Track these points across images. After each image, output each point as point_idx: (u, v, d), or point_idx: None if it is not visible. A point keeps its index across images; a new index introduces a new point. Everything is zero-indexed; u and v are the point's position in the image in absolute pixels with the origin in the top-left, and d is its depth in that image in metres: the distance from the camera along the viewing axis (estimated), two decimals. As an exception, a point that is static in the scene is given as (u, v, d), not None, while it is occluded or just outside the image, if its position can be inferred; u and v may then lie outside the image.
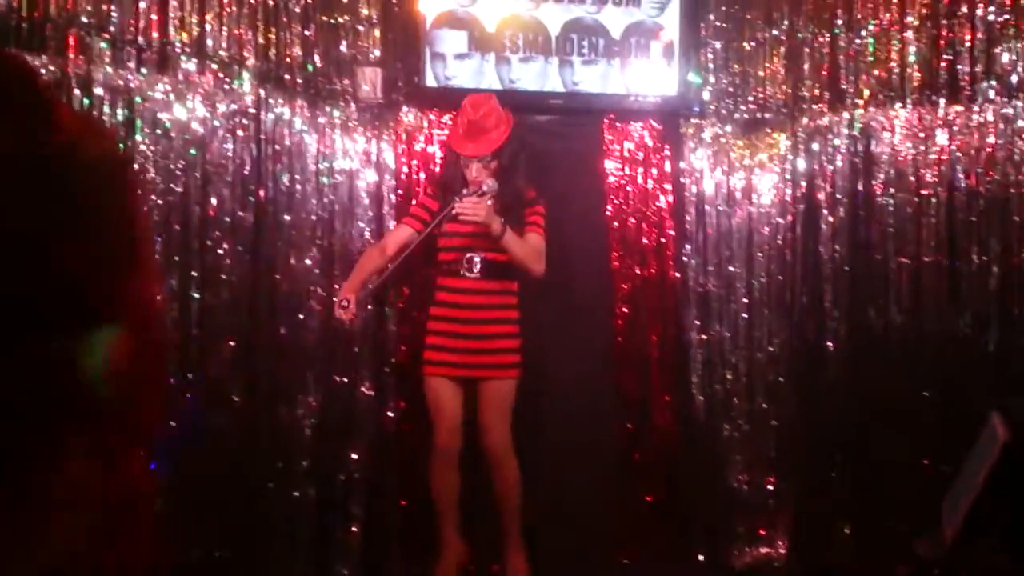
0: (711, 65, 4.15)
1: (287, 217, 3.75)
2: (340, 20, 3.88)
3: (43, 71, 3.42)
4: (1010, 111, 4.01)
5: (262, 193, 3.74)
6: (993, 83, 4.01)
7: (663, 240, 4.14)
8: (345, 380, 3.76)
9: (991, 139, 4.03)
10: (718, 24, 4.15)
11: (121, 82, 3.54)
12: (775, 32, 4.13)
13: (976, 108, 4.03)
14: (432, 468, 3.43)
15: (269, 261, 3.69)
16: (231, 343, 3.62)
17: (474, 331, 3.44)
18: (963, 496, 3.78)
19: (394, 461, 3.80)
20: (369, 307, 3.74)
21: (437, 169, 3.86)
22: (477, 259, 3.45)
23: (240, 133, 3.71)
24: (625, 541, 3.98)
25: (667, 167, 4.15)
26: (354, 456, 3.75)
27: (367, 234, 3.84)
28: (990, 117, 4.03)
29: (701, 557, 4.02)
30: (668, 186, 4.15)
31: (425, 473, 3.50)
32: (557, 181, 4.04)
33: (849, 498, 4.04)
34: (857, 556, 3.96)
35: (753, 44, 4.15)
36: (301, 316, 3.71)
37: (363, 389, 3.79)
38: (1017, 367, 3.89)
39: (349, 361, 3.77)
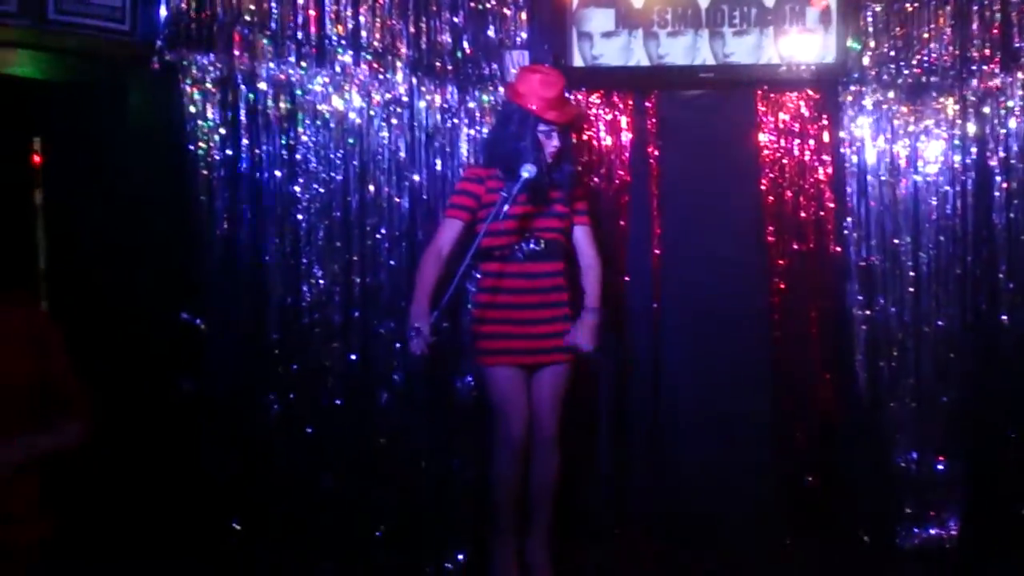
0: (871, 29, 3.62)
1: (441, 201, 3.47)
2: (487, 5, 3.57)
3: (212, 68, 3.26)
4: None
5: (416, 178, 3.47)
6: None
7: (822, 213, 3.67)
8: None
9: None
10: (878, -15, 3.61)
11: (283, 76, 3.36)
12: (940, -10, 3.57)
13: None
14: (501, 460, 3.05)
15: (424, 245, 3.42)
16: (391, 325, 3.38)
17: (533, 316, 3.07)
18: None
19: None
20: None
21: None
22: (532, 242, 3.07)
23: (394, 121, 3.46)
24: (788, 522, 3.54)
25: (825, 137, 3.67)
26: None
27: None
28: None
29: (866, 538, 3.54)
30: (827, 157, 3.67)
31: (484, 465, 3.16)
32: (709, 156, 3.65)
33: (1022, 478, 3.48)
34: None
35: (916, 4, 3.59)
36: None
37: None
38: None
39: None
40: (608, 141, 3.68)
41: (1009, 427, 3.53)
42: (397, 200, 3.45)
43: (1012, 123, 3.54)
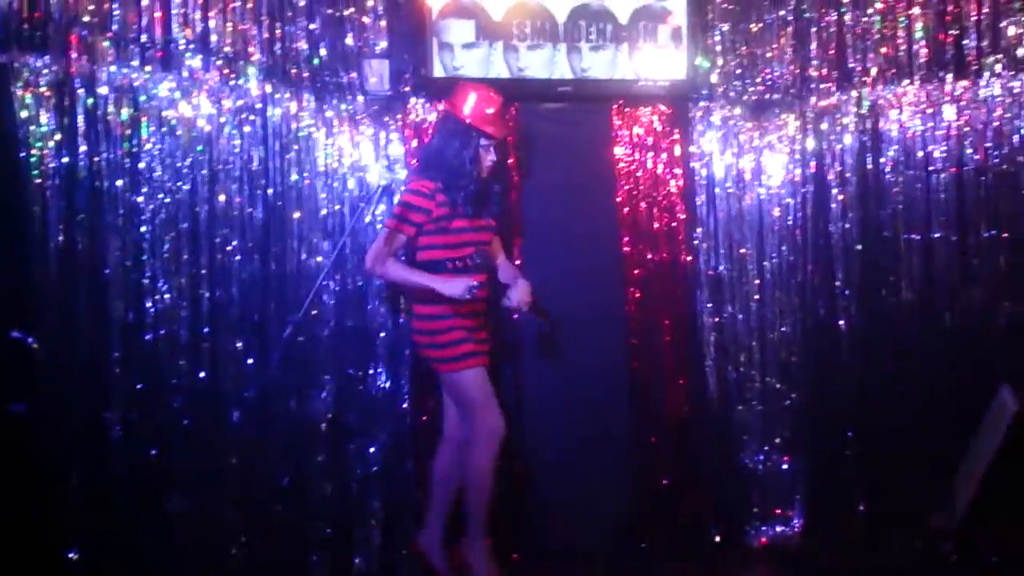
0: (719, 48, 3.57)
1: (297, 213, 3.20)
2: (345, 12, 3.31)
3: (47, 71, 2.90)
4: (1016, 84, 3.44)
5: (271, 190, 3.19)
6: (999, 57, 3.45)
7: (674, 224, 3.58)
8: (360, 374, 3.21)
9: (998, 112, 3.47)
10: (725, 6, 3.56)
11: (125, 80, 3.02)
12: (782, 12, 3.56)
13: (983, 83, 3.46)
14: (488, 453, 2.91)
15: (279, 258, 3.15)
16: (241, 342, 3.08)
17: (480, 323, 2.99)
18: (975, 468, 3.29)
19: (411, 454, 3.26)
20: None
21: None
22: (480, 253, 2.97)
23: (247, 129, 3.16)
24: (641, 523, 3.44)
25: (677, 151, 3.59)
26: (372, 450, 3.21)
27: (379, 226, 3.28)
28: (997, 91, 3.47)
29: (717, 538, 3.49)
30: (678, 170, 3.59)
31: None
32: (567, 168, 3.52)
33: (863, 475, 3.51)
34: (871, 532, 3.43)
35: (760, 25, 3.57)
36: (315, 312, 3.15)
37: (379, 383, 3.24)
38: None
39: (364, 356, 3.22)
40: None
41: (848, 426, 3.56)
42: (250, 211, 3.15)
43: (847, 139, 3.57)
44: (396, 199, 3.07)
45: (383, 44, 3.36)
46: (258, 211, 3.16)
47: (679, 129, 3.59)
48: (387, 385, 3.26)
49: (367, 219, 3.23)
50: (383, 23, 3.35)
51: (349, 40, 3.32)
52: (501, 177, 3.12)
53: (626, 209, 3.57)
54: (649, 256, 3.58)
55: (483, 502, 2.94)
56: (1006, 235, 3.48)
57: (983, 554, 3.17)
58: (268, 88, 3.21)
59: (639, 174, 3.59)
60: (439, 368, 2.95)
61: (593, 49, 3.48)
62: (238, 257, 3.11)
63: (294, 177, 3.23)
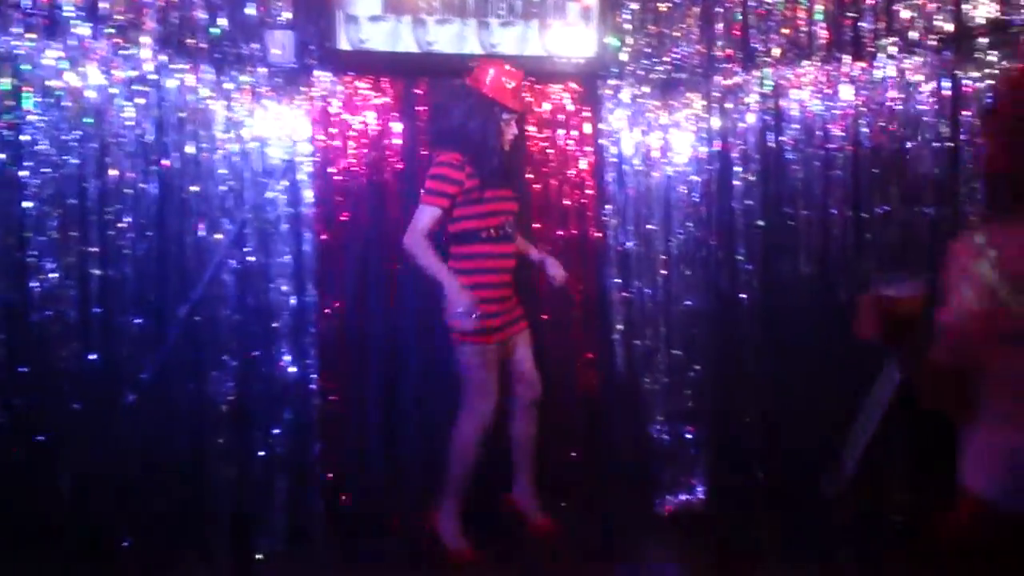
0: (628, 27, 3.46)
1: (195, 188, 2.98)
2: (247, -19, 3.08)
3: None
4: (909, 66, 3.44)
5: (166, 163, 2.95)
6: (894, 39, 3.44)
7: (584, 201, 3.49)
8: (263, 355, 3.02)
9: (892, 93, 3.47)
10: (634, -15, 3.45)
11: (4, 49, 2.73)
12: (688, -8, 3.46)
13: (878, 64, 3.45)
14: (476, 430, 2.96)
15: (176, 235, 2.93)
16: (137, 321, 2.86)
17: (508, 293, 3.05)
18: (862, 435, 3.33)
19: (319, 437, 3.10)
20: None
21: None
22: (510, 223, 3.02)
23: (140, 101, 2.91)
24: (554, 497, 3.37)
25: (587, 129, 3.48)
26: (275, 432, 3.04)
27: (281, 203, 3.09)
28: (891, 72, 3.46)
29: (627, 507, 3.44)
30: (588, 148, 3.48)
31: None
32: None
33: (764, 444, 3.50)
34: (771, 500, 3.44)
35: (668, 5, 3.46)
36: (214, 291, 2.95)
37: (283, 364, 3.06)
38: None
39: (268, 336, 3.04)
40: (378, 127, 3.32)
41: (747, 397, 3.55)
42: (143, 186, 2.92)
43: (750, 118, 3.51)
44: (428, 175, 2.97)
45: (287, 15, 3.14)
46: (152, 186, 2.93)
47: (589, 107, 3.48)
48: (292, 366, 3.09)
49: (269, 194, 3.03)
50: (287, -7, 3.15)
51: (251, 10, 3.10)
52: (519, 149, 3.11)
53: (536, 186, 3.46)
54: (559, 232, 3.48)
55: (459, 473, 2.98)
56: (898, 211, 3.51)
57: (875, 518, 3.20)
58: (163, 58, 2.97)
59: (549, 151, 3.48)
60: (453, 337, 2.96)
61: (503, 25, 3.33)
62: (131, 235, 2.88)
63: (191, 151, 3.01)
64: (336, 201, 3.22)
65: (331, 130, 3.25)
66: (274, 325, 3.04)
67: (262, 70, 3.11)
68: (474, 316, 2.83)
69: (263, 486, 3.02)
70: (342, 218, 3.23)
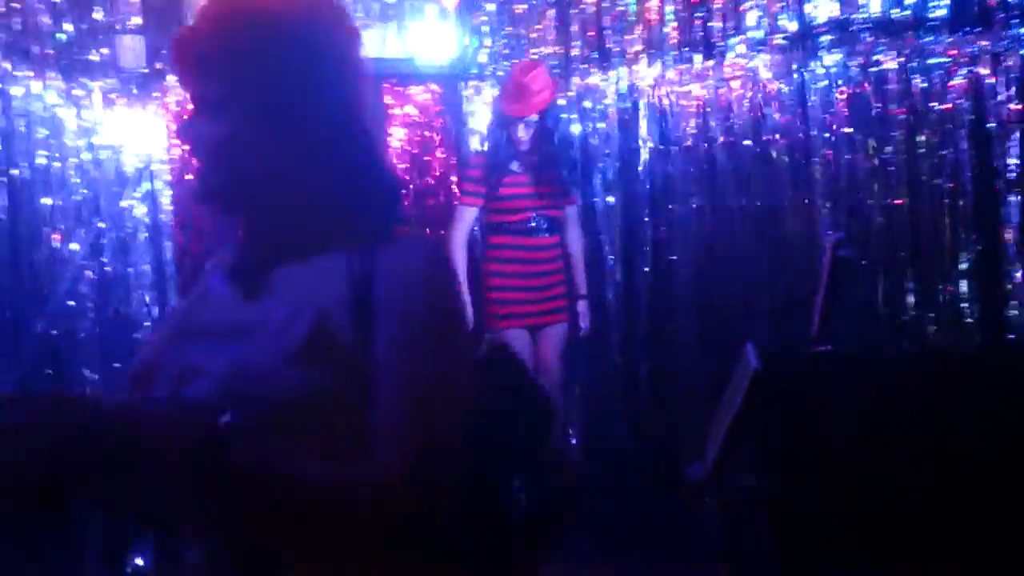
0: (486, 28, 3.67)
1: (46, 199, 3.01)
2: (93, -14, 3.12)
3: None
4: (756, 65, 3.75)
5: (15, 173, 2.98)
6: (741, 38, 3.75)
7: (449, 201, 3.67)
8: (125, 368, 3.08)
9: (739, 91, 3.77)
10: (490, -14, 3.66)
11: None
12: (544, -6, 3.70)
13: (726, 63, 3.76)
14: None
15: (29, 247, 2.96)
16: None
17: (539, 283, 3.30)
18: (723, 422, 3.61)
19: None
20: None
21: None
22: (541, 216, 3.26)
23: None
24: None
25: (450, 129, 3.66)
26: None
27: (139, 212, 3.16)
28: (738, 72, 3.77)
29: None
30: (452, 148, 3.67)
31: None
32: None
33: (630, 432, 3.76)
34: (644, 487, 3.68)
35: (524, 6, 3.69)
36: (71, 303, 2.99)
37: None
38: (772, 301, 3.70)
39: (130, 347, 3.10)
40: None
41: (614, 390, 3.80)
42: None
43: (609, 117, 3.77)
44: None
45: (137, 19, 3.21)
46: (2, 198, 2.95)
47: (451, 107, 3.68)
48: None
49: (123, 203, 3.10)
50: (136, -3, 3.21)
51: (99, 15, 3.15)
52: (543, 147, 3.27)
53: (403, 187, 3.63)
54: (428, 233, 3.66)
55: None
56: (756, 204, 3.80)
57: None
58: (7, 65, 2.99)
59: (414, 152, 3.66)
60: (486, 323, 3.26)
61: (361, 27, 3.47)
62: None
63: (41, 161, 3.04)
64: (195, 208, 3.30)
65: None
66: (135, 336, 3.11)
67: (114, 76, 3.16)
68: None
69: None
70: (201, 225, 3.32)
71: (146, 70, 3.21)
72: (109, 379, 3.07)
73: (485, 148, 3.33)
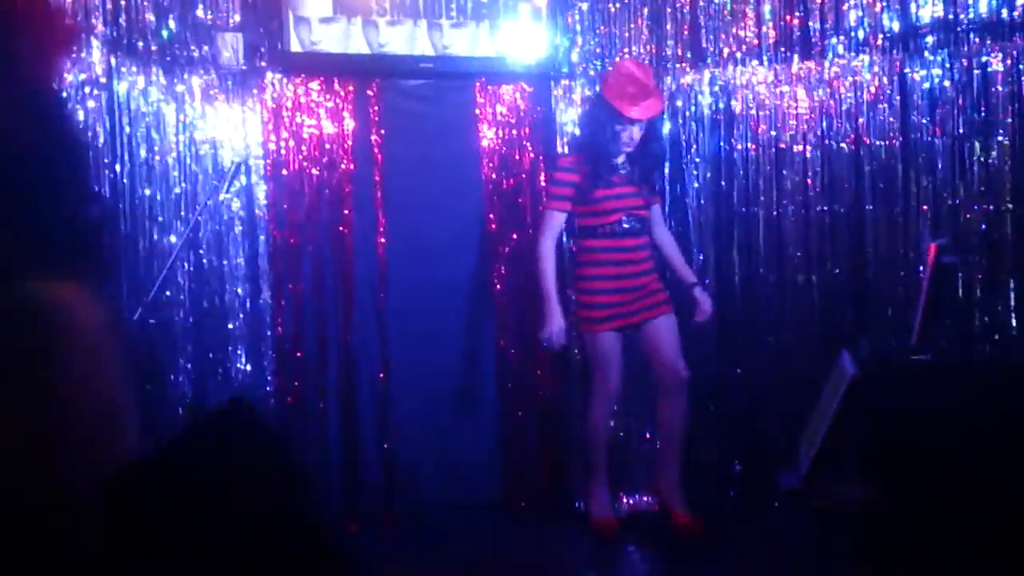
0: (578, 27, 3.66)
1: (147, 191, 3.11)
2: (195, -16, 3.23)
3: None
4: (857, 65, 3.66)
5: (118, 167, 3.09)
6: (841, 39, 3.66)
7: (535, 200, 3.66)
8: (219, 358, 3.16)
9: (841, 92, 3.69)
10: (584, -14, 3.65)
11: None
12: (639, -7, 3.68)
13: (826, 63, 3.67)
14: (600, 411, 3.26)
15: (131, 238, 3.06)
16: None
17: (636, 284, 3.24)
18: (818, 430, 3.51)
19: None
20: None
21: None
22: (632, 217, 3.21)
23: (91, 104, 3.05)
24: (510, 501, 3.56)
25: (540, 129, 3.66)
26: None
27: (235, 206, 3.23)
28: (839, 72, 3.69)
29: (579, 506, 3.59)
30: (540, 148, 3.66)
31: None
32: (431, 146, 3.56)
33: (725, 439, 3.68)
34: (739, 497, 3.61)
35: (618, 5, 3.67)
36: (168, 293, 3.08)
37: (239, 366, 3.20)
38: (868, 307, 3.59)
39: (223, 338, 3.18)
40: (330, 129, 3.46)
41: (706, 394, 3.73)
42: (95, 189, 3.05)
43: (703, 118, 3.72)
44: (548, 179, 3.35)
45: (236, 17, 3.30)
46: (104, 189, 3.06)
47: (541, 107, 3.67)
48: (248, 368, 3.23)
49: (221, 197, 3.18)
50: (236, -5, 3.30)
51: (200, 12, 3.25)
52: (650, 147, 3.26)
53: (490, 186, 3.64)
54: (514, 234, 3.66)
55: (593, 449, 3.28)
56: (842, 210, 3.70)
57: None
58: (113, 61, 3.11)
59: (503, 151, 3.66)
60: (578, 325, 3.29)
61: (454, 26, 3.51)
62: (83, 238, 3.00)
63: (143, 154, 3.15)
64: (289, 202, 3.37)
65: (283, 132, 3.39)
66: (229, 327, 3.18)
67: (213, 73, 3.25)
68: (555, 345, 3.19)
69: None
70: (295, 219, 3.38)
71: (244, 67, 3.29)
72: (204, 367, 3.15)
73: (572, 150, 3.24)
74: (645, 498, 3.64)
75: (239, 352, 3.22)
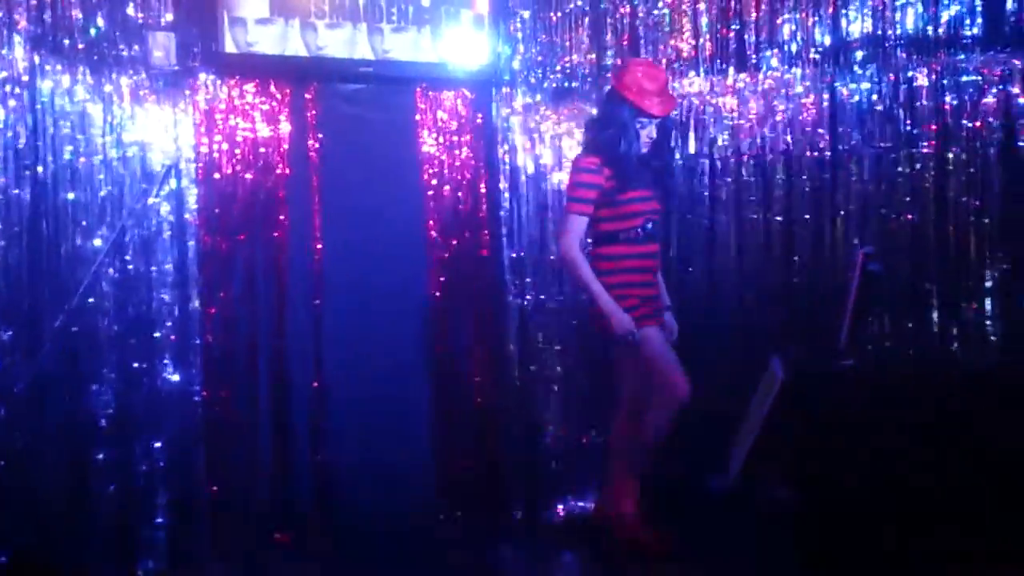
0: (520, 35, 3.68)
1: (71, 195, 3.02)
2: (126, -19, 3.14)
3: None
4: (790, 78, 3.75)
5: (40, 169, 2.99)
6: (775, 52, 3.75)
7: (478, 208, 3.66)
8: (145, 367, 3.08)
9: (775, 104, 3.77)
10: (525, -6, 3.68)
11: None
12: (579, 3, 3.71)
13: (760, 75, 3.76)
14: (666, 411, 3.07)
15: (53, 242, 2.96)
16: (9, 332, 2.88)
17: (650, 292, 3.15)
18: (748, 434, 3.59)
19: (204, 447, 3.17)
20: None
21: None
22: (651, 222, 3.13)
23: (11, 103, 2.94)
24: (446, 505, 3.54)
25: (480, 136, 3.66)
26: (157, 445, 3.09)
27: (164, 210, 3.16)
28: (772, 84, 3.78)
29: (518, 514, 3.61)
30: (481, 154, 3.66)
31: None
32: (371, 151, 3.52)
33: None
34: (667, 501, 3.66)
35: (559, 14, 3.70)
36: (91, 300, 2.99)
37: (166, 376, 3.13)
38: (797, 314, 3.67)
39: (150, 347, 3.10)
40: (266, 133, 3.40)
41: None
42: (16, 192, 2.94)
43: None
44: (569, 182, 3.14)
45: (169, 16, 3.21)
46: (25, 192, 2.96)
47: (482, 114, 3.67)
48: (175, 378, 3.15)
49: (150, 201, 3.10)
50: (169, -7, 3.22)
51: (131, 10, 3.16)
52: (662, 149, 3.19)
53: (430, 192, 3.62)
54: (454, 241, 3.65)
55: (643, 453, 3.17)
56: (784, 218, 3.79)
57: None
58: (36, 59, 3.00)
59: (443, 158, 3.65)
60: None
61: (395, 31, 3.49)
62: (2, 242, 2.90)
63: (67, 156, 3.05)
64: (221, 207, 3.30)
65: (216, 135, 3.32)
66: (156, 335, 3.11)
67: (144, 73, 3.17)
68: (636, 337, 3.00)
69: (143, 502, 3.06)
70: (228, 224, 3.31)
71: (176, 67, 3.21)
72: (128, 376, 3.07)
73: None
74: (575, 503, 3.67)
75: (166, 361, 3.13)
